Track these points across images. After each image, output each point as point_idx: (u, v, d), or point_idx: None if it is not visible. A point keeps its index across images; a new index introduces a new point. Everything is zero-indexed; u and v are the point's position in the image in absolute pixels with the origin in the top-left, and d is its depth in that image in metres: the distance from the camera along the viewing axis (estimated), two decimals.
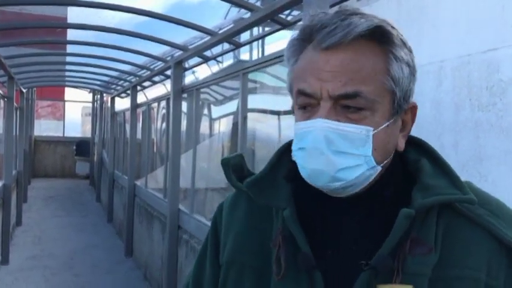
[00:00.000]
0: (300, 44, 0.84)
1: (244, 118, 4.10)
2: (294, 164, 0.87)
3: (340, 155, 0.78)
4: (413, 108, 0.87)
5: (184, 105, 6.06)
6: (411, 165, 0.88)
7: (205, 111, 6.67)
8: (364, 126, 0.78)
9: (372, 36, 0.79)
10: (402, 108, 0.83)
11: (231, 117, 6.00)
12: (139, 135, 9.00)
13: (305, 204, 0.87)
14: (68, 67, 9.26)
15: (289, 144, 0.93)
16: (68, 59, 8.42)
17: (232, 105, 5.97)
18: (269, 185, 0.90)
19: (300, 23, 0.84)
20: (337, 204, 0.85)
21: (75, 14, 7.22)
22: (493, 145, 2.46)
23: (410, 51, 0.83)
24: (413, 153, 0.89)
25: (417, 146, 0.91)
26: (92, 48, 6.77)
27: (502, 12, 2.48)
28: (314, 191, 0.86)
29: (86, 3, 4.54)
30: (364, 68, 0.78)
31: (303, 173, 0.82)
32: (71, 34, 7.26)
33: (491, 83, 2.49)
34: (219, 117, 6.51)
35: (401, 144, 0.86)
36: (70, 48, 7.83)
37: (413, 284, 0.77)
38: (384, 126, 0.80)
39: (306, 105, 0.82)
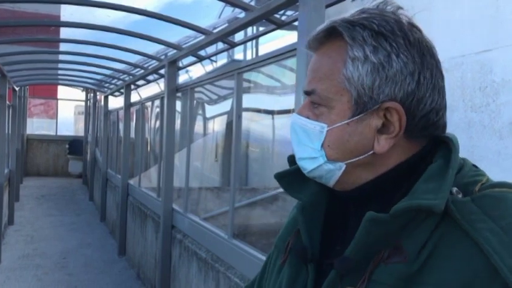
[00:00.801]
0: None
1: (239, 117, 4.11)
2: None
3: (300, 146, 0.88)
4: (397, 110, 0.79)
5: (178, 104, 6.05)
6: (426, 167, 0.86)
7: (199, 110, 6.66)
8: (319, 122, 0.84)
9: (336, 36, 0.83)
10: (367, 108, 0.80)
11: (225, 116, 6.01)
12: (132, 134, 8.98)
13: (331, 202, 0.93)
14: (61, 65, 9.21)
15: None
16: (61, 57, 8.38)
17: (226, 105, 5.97)
18: (297, 178, 0.95)
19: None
20: (347, 204, 0.89)
21: (68, 12, 7.18)
22: (485, 146, 2.47)
23: (375, 48, 0.79)
24: (438, 155, 0.82)
25: (446, 146, 0.84)
26: (86, 46, 6.74)
27: (496, 13, 2.50)
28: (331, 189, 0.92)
29: (79, 2, 4.52)
30: (321, 68, 0.84)
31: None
32: (64, 32, 7.23)
33: (484, 84, 2.51)
34: (213, 117, 6.52)
35: (382, 146, 0.81)
36: (63, 47, 7.79)
37: None
38: (339, 124, 0.82)
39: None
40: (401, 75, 0.79)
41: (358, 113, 0.81)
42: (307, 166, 0.87)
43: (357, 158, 0.83)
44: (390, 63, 0.78)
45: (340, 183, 0.86)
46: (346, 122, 0.82)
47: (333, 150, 0.84)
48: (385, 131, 0.81)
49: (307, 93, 0.86)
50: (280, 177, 0.98)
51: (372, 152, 0.82)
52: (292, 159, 1.00)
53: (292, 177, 0.97)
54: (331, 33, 0.83)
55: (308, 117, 0.87)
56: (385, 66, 0.79)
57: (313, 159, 0.86)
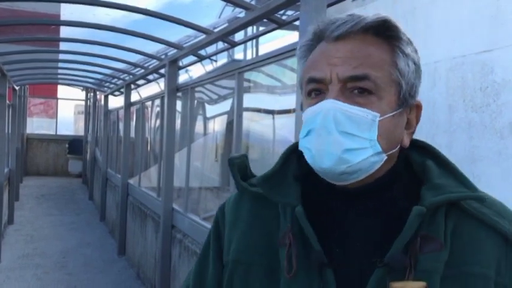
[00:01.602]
0: (310, 45, 0.89)
1: (239, 117, 4.10)
2: (302, 162, 0.90)
3: (346, 136, 0.79)
4: (418, 108, 0.89)
5: (178, 104, 6.05)
6: (417, 167, 0.90)
7: (200, 110, 6.66)
8: (371, 111, 0.80)
9: (379, 31, 0.83)
10: (408, 103, 0.85)
11: (225, 116, 6.00)
12: (132, 134, 8.97)
13: (313, 203, 0.88)
14: (61, 65, 9.21)
15: (297, 144, 0.95)
16: (61, 56, 8.37)
17: (226, 105, 5.97)
18: (280, 182, 0.90)
19: (296, 22, 0.86)
20: (344, 202, 0.86)
21: (68, 11, 7.18)
22: (486, 146, 2.47)
23: (415, 51, 0.87)
24: (417, 155, 0.91)
25: (421, 148, 0.92)
26: (86, 45, 6.74)
27: (497, 13, 2.50)
28: (322, 189, 0.88)
29: (79, 0, 4.52)
30: (373, 56, 0.82)
31: (308, 156, 0.83)
32: (64, 31, 7.22)
33: (485, 84, 2.50)
34: (213, 116, 6.51)
35: (407, 141, 0.88)
36: (63, 46, 7.78)
37: (426, 280, 0.77)
38: (389, 115, 0.82)
39: (314, 90, 0.84)
40: (420, 77, 0.88)
41: (402, 106, 0.85)
42: (352, 158, 0.80)
43: (393, 151, 0.85)
44: (419, 66, 0.87)
45: (368, 177, 0.84)
46: (393, 113, 0.83)
47: (383, 141, 0.82)
48: (408, 127, 0.88)
49: (356, 78, 0.80)
50: (264, 181, 0.91)
51: (399, 146, 0.87)
52: (239, 163, 0.97)
53: (274, 180, 0.91)
54: (364, 27, 0.83)
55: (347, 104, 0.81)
56: (419, 67, 0.87)
57: (361, 151, 0.80)
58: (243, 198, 0.98)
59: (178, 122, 6.12)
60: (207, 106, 6.65)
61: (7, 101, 8.48)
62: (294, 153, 0.95)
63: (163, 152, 5.88)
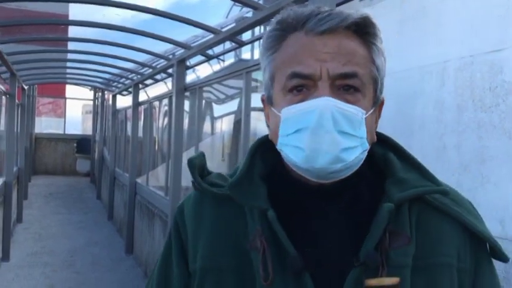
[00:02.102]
0: (280, 34, 0.85)
1: (247, 116, 4.11)
2: (267, 161, 0.90)
3: (343, 135, 0.78)
4: (382, 103, 0.89)
5: (186, 104, 6.07)
6: (378, 159, 0.90)
7: (207, 109, 6.67)
8: (360, 108, 0.80)
9: (357, 29, 0.82)
10: (379, 99, 0.87)
11: (233, 116, 6.01)
12: (140, 133, 9.00)
13: (280, 203, 0.85)
14: (69, 64, 9.27)
15: (261, 141, 0.93)
16: (70, 56, 8.43)
17: (234, 104, 5.98)
18: (248, 185, 0.87)
19: (273, 19, 0.83)
20: (312, 201, 0.84)
21: (77, 11, 7.24)
22: (495, 146, 2.46)
23: (382, 44, 0.87)
24: (379, 148, 0.90)
25: (382, 141, 0.92)
26: (94, 45, 6.77)
27: (506, 13, 2.48)
28: (290, 189, 0.86)
29: (88, 0, 4.54)
30: (358, 53, 0.81)
31: (299, 156, 0.79)
32: (73, 31, 7.27)
33: (494, 84, 2.49)
34: (221, 116, 6.52)
35: (375, 135, 0.88)
36: (71, 45, 7.83)
37: (398, 275, 0.79)
38: (371, 111, 0.83)
39: (299, 86, 0.81)
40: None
41: (377, 102, 0.86)
42: (347, 157, 0.79)
43: (370, 146, 0.85)
44: (385, 59, 0.87)
45: (350, 173, 0.82)
46: (373, 109, 0.84)
47: (369, 137, 0.83)
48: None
49: (346, 75, 0.80)
50: (234, 186, 0.87)
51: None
52: (198, 163, 0.93)
53: (243, 185, 0.87)
54: (350, 23, 0.82)
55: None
56: (385, 60, 0.87)
57: (353, 149, 0.79)
58: (204, 199, 0.93)
59: (186, 121, 6.14)
60: (214, 106, 6.66)
61: (16, 101, 8.54)
62: (257, 152, 0.92)
63: (171, 152, 5.90)
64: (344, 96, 0.80)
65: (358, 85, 0.80)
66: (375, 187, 0.86)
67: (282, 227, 0.81)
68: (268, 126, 0.91)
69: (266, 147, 0.91)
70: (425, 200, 0.86)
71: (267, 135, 0.91)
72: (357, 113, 0.79)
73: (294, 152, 0.80)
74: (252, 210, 0.86)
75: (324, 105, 0.77)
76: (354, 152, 0.79)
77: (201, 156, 0.96)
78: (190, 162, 0.94)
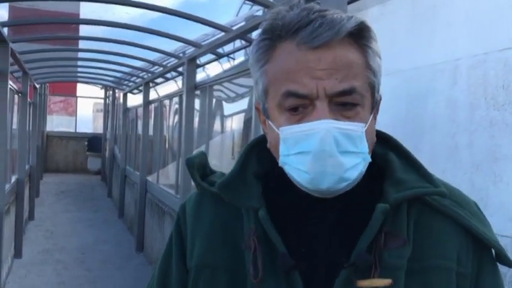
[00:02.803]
0: (270, 44, 0.81)
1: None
2: (263, 160, 0.88)
3: (346, 155, 0.76)
4: (379, 101, 0.87)
5: (196, 102, 6.08)
6: (379, 159, 0.88)
7: (218, 108, 6.68)
8: (359, 123, 0.78)
9: (352, 33, 0.78)
10: (377, 101, 0.84)
11: (243, 114, 6.01)
12: (151, 132, 9.04)
13: (276, 203, 0.85)
14: (80, 63, 9.33)
15: (256, 141, 0.92)
16: (81, 54, 8.49)
17: (244, 103, 5.98)
18: (240, 184, 0.87)
19: (260, 26, 0.80)
20: (309, 201, 0.83)
21: (88, 10, 7.28)
22: (508, 145, 2.43)
23: (377, 45, 0.84)
24: (379, 147, 0.88)
25: (383, 139, 0.90)
26: (105, 44, 6.81)
27: None
28: (285, 189, 0.84)
29: None
30: (354, 64, 0.78)
31: (304, 179, 0.78)
32: (84, 30, 7.31)
33: (507, 82, 2.46)
34: (231, 114, 6.53)
35: (375, 137, 0.86)
36: (82, 44, 7.89)
37: (391, 277, 0.77)
38: (370, 120, 0.81)
39: (295, 107, 0.78)
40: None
41: (375, 106, 0.84)
42: (351, 175, 0.77)
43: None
44: (380, 57, 0.84)
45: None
46: (371, 117, 0.82)
47: (369, 147, 0.81)
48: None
49: (343, 93, 0.77)
50: (224, 186, 0.87)
51: None
52: (198, 162, 0.92)
53: (233, 184, 0.87)
54: (351, 31, 0.79)
55: (339, 120, 0.77)
56: (381, 58, 0.84)
57: (357, 166, 0.78)
58: (204, 198, 0.93)
59: (196, 120, 6.15)
60: (224, 104, 6.67)
61: (28, 99, 8.61)
62: (253, 151, 0.91)
63: (181, 150, 5.91)
64: (343, 113, 0.77)
65: (357, 100, 0.78)
66: (374, 188, 0.84)
67: (275, 226, 0.81)
68: (265, 133, 0.89)
69: (263, 147, 0.89)
70: (425, 202, 0.84)
71: (264, 135, 0.90)
72: (357, 129, 0.77)
73: (297, 173, 0.79)
74: (247, 210, 0.85)
75: (325, 128, 0.75)
76: (358, 168, 0.78)
77: (202, 155, 0.96)
78: (189, 162, 0.92)
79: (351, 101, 0.77)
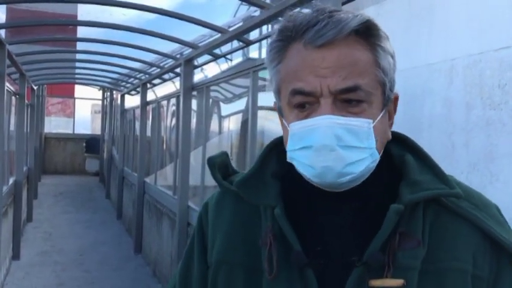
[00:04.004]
0: (282, 45, 0.84)
1: (254, 115, 4.11)
2: (283, 161, 0.88)
3: (349, 150, 0.78)
4: (396, 99, 0.89)
5: (194, 103, 6.07)
6: (396, 160, 0.89)
7: (215, 108, 6.68)
8: (366, 119, 0.80)
9: (359, 31, 0.80)
10: (390, 99, 0.85)
11: (240, 115, 6.01)
12: (149, 133, 9.03)
13: (294, 202, 0.87)
14: (78, 64, 9.33)
15: (277, 141, 0.94)
16: (78, 56, 8.48)
17: (242, 103, 5.98)
18: (258, 183, 0.89)
19: (276, 26, 0.82)
20: (325, 201, 0.85)
21: (85, 11, 7.28)
22: (504, 144, 2.44)
23: (389, 42, 0.85)
24: (397, 149, 0.90)
25: (400, 141, 0.92)
26: (102, 45, 6.81)
27: None
28: (302, 188, 0.86)
29: (95, 1, 4.56)
30: (359, 62, 0.79)
31: (309, 172, 0.81)
32: (81, 31, 7.31)
33: (503, 81, 2.47)
34: (229, 115, 6.53)
35: (389, 134, 0.88)
36: (80, 46, 7.88)
37: (404, 277, 0.78)
38: (379, 117, 0.82)
39: (302, 104, 0.81)
40: (396, 68, 0.87)
41: (386, 104, 0.85)
42: (355, 169, 0.79)
43: (383, 149, 0.85)
44: (395, 57, 0.85)
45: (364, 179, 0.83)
46: (382, 114, 0.83)
47: (379, 144, 0.82)
48: (388, 119, 0.88)
49: (348, 90, 0.79)
50: (242, 184, 0.90)
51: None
52: (219, 162, 0.95)
53: (251, 182, 0.90)
54: (355, 29, 0.80)
55: (343, 116, 0.79)
56: (395, 58, 0.85)
57: (362, 161, 0.79)
58: (226, 197, 0.96)
59: (193, 120, 6.15)
60: (222, 105, 6.67)
61: (26, 101, 8.60)
62: (273, 151, 0.94)
63: (179, 151, 5.91)
64: (348, 110, 0.79)
65: (362, 97, 0.79)
66: (391, 188, 0.85)
67: (292, 224, 0.83)
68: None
69: (283, 148, 0.91)
70: (441, 203, 0.84)
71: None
72: (362, 125, 0.79)
73: (303, 167, 0.82)
74: (265, 209, 0.88)
75: (325, 123, 0.78)
76: (362, 163, 0.80)
77: (224, 155, 0.99)
78: (210, 161, 0.96)
79: (356, 97, 0.79)
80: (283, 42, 0.84)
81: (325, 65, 0.79)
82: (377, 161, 0.82)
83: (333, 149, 0.78)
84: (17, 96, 8.14)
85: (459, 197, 0.83)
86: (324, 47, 0.78)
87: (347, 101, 0.79)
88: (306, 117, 0.81)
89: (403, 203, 0.81)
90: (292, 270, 0.82)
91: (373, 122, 0.80)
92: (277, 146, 0.93)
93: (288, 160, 0.85)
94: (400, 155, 0.89)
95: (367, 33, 0.81)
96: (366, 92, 0.79)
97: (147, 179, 8.47)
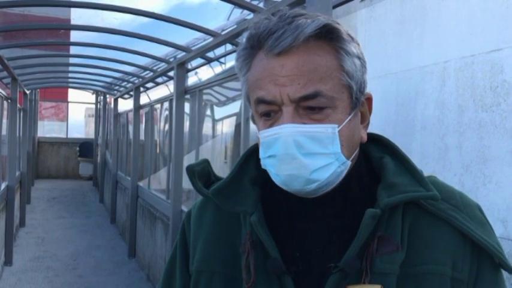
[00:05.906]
0: (249, 53, 0.84)
1: (247, 119, 4.10)
2: (260, 167, 0.88)
3: (311, 157, 0.78)
4: (369, 99, 0.88)
5: (187, 106, 6.06)
6: (375, 163, 0.89)
7: (208, 112, 6.67)
8: (329, 125, 0.79)
9: (320, 36, 0.79)
10: (360, 101, 0.84)
11: (234, 118, 6.01)
12: (142, 136, 9.01)
13: (272, 208, 0.87)
14: (71, 68, 9.29)
15: (255, 148, 0.94)
16: (71, 60, 8.44)
17: (235, 106, 5.97)
18: (235, 190, 0.89)
19: (245, 33, 0.82)
20: (304, 207, 0.84)
21: (78, 15, 7.24)
22: (497, 146, 2.45)
23: (358, 44, 0.84)
24: (375, 150, 0.90)
25: (378, 142, 0.91)
26: (95, 49, 6.79)
27: (506, 12, 2.47)
28: (281, 194, 0.85)
29: (88, 5, 4.55)
30: (320, 67, 0.78)
31: (277, 180, 0.81)
32: (74, 35, 7.28)
33: (495, 84, 2.48)
34: (222, 118, 6.52)
35: (364, 136, 0.87)
36: (73, 50, 7.85)
37: (382, 283, 0.77)
38: (346, 121, 0.81)
39: (267, 112, 0.81)
40: (366, 69, 0.86)
41: (355, 107, 0.83)
42: (320, 176, 0.79)
43: (355, 153, 0.85)
44: (364, 58, 0.84)
45: (335, 185, 0.82)
46: (349, 117, 0.82)
47: (346, 149, 0.81)
48: (362, 120, 0.87)
49: (306, 97, 0.78)
50: (218, 192, 0.89)
51: (359, 145, 0.86)
52: (199, 170, 0.94)
53: (228, 190, 0.89)
54: (311, 34, 0.79)
55: (304, 124, 0.79)
56: (364, 60, 0.84)
57: (327, 166, 0.79)
58: (207, 205, 0.96)
59: (187, 124, 6.13)
60: (215, 108, 6.66)
61: (18, 105, 8.55)
62: (251, 157, 0.94)
63: (172, 154, 5.89)
64: (311, 116, 0.79)
65: (323, 103, 0.78)
66: (368, 192, 0.84)
67: (271, 230, 0.83)
68: None
69: None
70: (421, 206, 0.83)
71: None
72: (325, 130, 0.78)
73: (272, 175, 0.83)
74: (245, 216, 0.87)
75: (286, 132, 0.78)
76: (328, 169, 0.79)
77: (204, 162, 0.97)
78: (189, 169, 0.95)
79: (316, 104, 0.78)
80: (250, 50, 0.84)
81: (284, 73, 0.78)
82: (347, 165, 0.81)
83: (295, 157, 0.77)
84: (9, 100, 8.09)
85: (436, 199, 0.82)
86: (282, 55, 0.78)
87: (309, 108, 0.79)
88: (272, 125, 0.81)
89: (380, 207, 0.80)
90: (271, 278, 0.82)
91: (339, 126, 0.79)
92: (255, 152, 0.92)
93: (262, 167, 0.85)
94: (379, 157, 0.89)
95: (328, 37, 0.80)
96: (329, 98, 0.78)
97: (141, 183, 8.44)
